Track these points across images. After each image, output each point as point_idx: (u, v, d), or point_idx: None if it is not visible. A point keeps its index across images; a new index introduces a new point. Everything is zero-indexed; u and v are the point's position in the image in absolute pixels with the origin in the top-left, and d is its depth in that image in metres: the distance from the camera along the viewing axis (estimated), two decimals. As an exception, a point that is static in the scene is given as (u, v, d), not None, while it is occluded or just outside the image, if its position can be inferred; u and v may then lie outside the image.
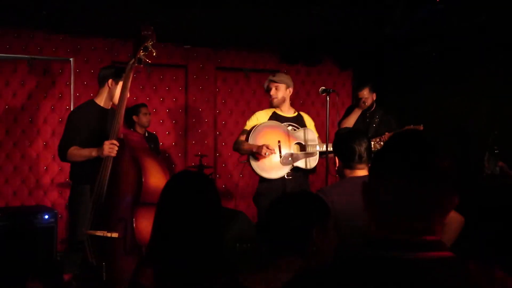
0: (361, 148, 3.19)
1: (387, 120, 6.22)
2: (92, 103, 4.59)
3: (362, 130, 5.38)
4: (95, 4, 5.44)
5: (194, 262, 2.11)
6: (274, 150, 5.03)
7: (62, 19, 6.00)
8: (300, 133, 5.29)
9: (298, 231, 2.18)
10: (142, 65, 4.40)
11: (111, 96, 4.57)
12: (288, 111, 5.39)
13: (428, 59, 6.72)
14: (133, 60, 4.34)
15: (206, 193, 2.26)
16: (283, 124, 5.26)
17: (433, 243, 1.31)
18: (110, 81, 4.52)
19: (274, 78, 5.35)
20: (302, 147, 5.25)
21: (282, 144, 5.12)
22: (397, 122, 6.19)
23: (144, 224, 4.00)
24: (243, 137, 5.27)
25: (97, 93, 4.63)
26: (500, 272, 1.31)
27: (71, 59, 6.83)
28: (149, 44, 4.36)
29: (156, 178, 4.09)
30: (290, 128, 5.27)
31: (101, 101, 4.58)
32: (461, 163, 6.30)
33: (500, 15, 5.39)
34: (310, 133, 5.32)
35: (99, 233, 3.98)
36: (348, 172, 3.28)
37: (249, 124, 5.34)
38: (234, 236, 6.27)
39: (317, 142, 5.26)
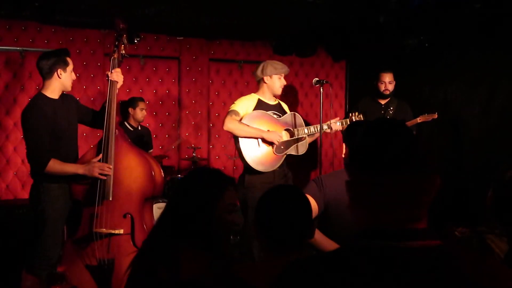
0: None
1: (402, 109, 6.17)
2: (42, 97, 4.25)
3: None
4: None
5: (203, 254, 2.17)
6: (282, 137, 5.05)
7: (54, 10, 5.96)
8: (286, 118, 5.22)
9: (296, 222, 2.23)
10: (123, 60, 4.44)
11: (62, 85, 4.30)
12: (270, 99, 5.28)
13: (422, 49, 6.72)
14: (116, 55, 4.37)
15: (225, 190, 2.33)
16: (268, 112, 5.18)
17: (423, 231, 1.32)
18: (59, 70, 4.25)
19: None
20: (291, 133, 5.19)
21: None
22: (412, 111, 6.18)
23: (149, 218, 4.10)
24: (238, 118, 5.00)
25: (43, 85, 4.30)
26: (491, 260, 1.32)
27: (61, 48, 6.78)
28: (125, 38, 4.41)
29: (160, 172, 4.25)
30: (275, 115, 5.20)
31: (51, 92, 4.27)
32: (455, 152, 6.32)
33: (494, 4, 5.38)
34: (297, 117, 5.26)
35: (105, 230, 3.99)
36: None
37: (238, 106, 5.08)
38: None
39: (304, 126, 5.23)
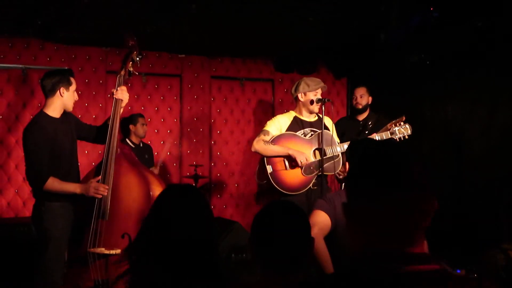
0: None
1: (381, 123, 6.09)
2: (44, 115, 4.23)
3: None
4: (89, 13, 5.43)
5: (183, 274, 2.12)
6: (309, 159, 5.03)
7: (56, 28, 5.99)
8: (317, 137, 5.17)
9: (296, 243, 2.17)
10: (130, 77, 4.42)
11: (63, 104, 4.27)
12: (308, 116, 5.32)
13: (422, 67, 6.72)
14: (123, 72, 4.35)
15: (196, 207, 2.27)
16: (299, 132, 5.19)
17: (420, 256, 1.32)
18: (61, 89, 4.22)
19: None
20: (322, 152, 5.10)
21: None
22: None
23: None
24: (267, 138, 5.10)
25: (45, 103, 4.28)
26: (488, 282, 1.31)
27: (66, 68, 6.81)
28: (135, 55, 4.39)
29: (159, 191, 4.16)
30: (310, 133, 5.20)
31: (53, 111, 4.25)
32: (456, 170, 6.30)
33: (495, 22, 5.40)
34: (325, 134, 5.12)
35: (101, 251, 3.96)
36: None
37: (270, 127, 5.20)
38: (229, 246, 6.27)
39: (336, 143, 5.15)
